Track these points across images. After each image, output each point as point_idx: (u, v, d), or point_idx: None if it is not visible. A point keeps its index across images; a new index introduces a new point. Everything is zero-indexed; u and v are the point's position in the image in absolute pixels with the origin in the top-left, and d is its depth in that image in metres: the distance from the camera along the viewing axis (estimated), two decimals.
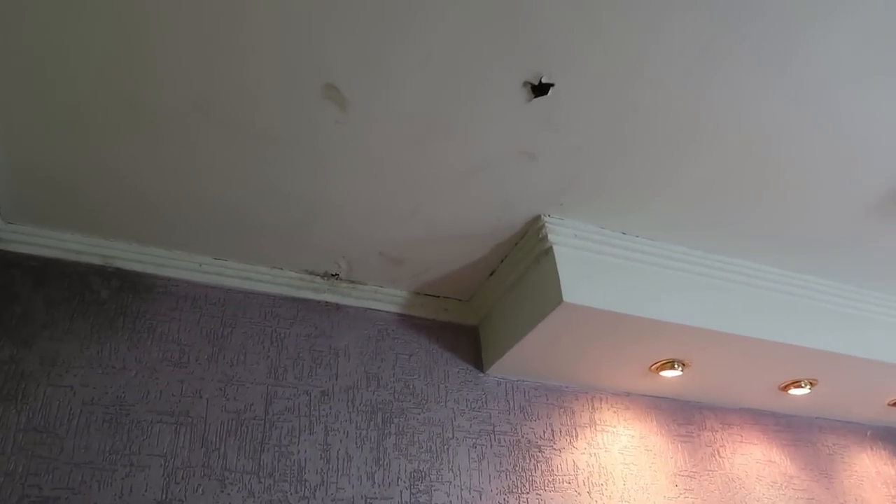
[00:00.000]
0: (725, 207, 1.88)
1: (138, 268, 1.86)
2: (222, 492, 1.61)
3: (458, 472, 1.89)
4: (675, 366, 2.10)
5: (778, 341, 2.01)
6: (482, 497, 1.87)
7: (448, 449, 1.92)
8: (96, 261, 1.83)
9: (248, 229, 1.85)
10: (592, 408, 2.21)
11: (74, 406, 1.60)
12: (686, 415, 2.35)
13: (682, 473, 2.20)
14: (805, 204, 1.89)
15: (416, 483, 1.82)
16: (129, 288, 1.83)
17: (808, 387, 2.30)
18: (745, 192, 1.82)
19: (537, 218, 1.88)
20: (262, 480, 1.67)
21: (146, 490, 1.55)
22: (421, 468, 1.85)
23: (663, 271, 1.98)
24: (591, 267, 1.88)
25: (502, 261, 2.04)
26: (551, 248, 1.85)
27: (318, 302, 2.03)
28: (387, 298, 2.12)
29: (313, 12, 1.27)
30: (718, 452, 2.32)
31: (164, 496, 1.56)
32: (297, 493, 1.68)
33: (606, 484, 2.06)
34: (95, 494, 1.51)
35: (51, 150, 1.55)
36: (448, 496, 1.83)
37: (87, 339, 1.71)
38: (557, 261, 1.83)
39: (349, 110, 1.49)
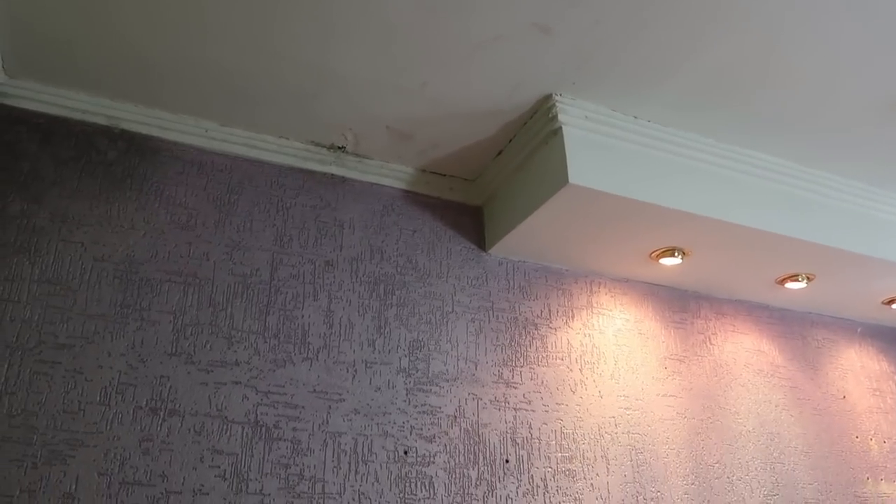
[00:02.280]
0: (740, 94, 1.83)
1: (144, 130, 1.85)
2: (229, 349, 1.69)
3: (455, 344, 1.96)
4: (676, 254, 2.12)
5: (780, 233, 2.02)
6: (477, 367, 1.95)
7: (447, 322, 1.99)
8: (102, 121, 1.82)
9: (255, 96, 1.82)
10: (590, 291, 2.26)
11: (86, 262, 1.65)
12: (681, 303, 2.41)
13: (672, 357, 2.28)
14: (822, 94, 1.83)
15: (415, 351, 1.90)
16: (135, 150, 1.83)
17: (804, 281, 2.33)
18: (762, 78, 1.77)
19: (548, 97, 1.84)
20: (268, 340, 1.74)
21: (157, 343, 1.63)
22: (420, 338, 1.93)
23: (672, 158, 1.96)
24: (600, 150, 1.86)
25: (510, 140, 2.02)
26: (560, 128, 1.83)
27: (324, 174, 2.04)
28: (393, 174, 2.12)
29: None
30: (710, 339, 2.39)
31: (174, 349, 1.63)
32: (300, 353, 1.76)
33: (598, 363, 2.15)
34: (108, 344, 1.58)
35: (53, 4, 1.51)
36: (445, 364, 1.92)
37: (95, 198, 1.73)
38: (566, 142, 1.81)
39: None
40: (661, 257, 2.15)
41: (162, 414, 1.56)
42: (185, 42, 1.62)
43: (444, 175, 2.20)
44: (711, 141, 2.04)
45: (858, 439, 2.51)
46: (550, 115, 1.84)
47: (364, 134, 1.99)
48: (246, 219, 1.87)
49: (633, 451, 2.05)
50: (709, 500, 2.09)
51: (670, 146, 1.96)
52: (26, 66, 1.72)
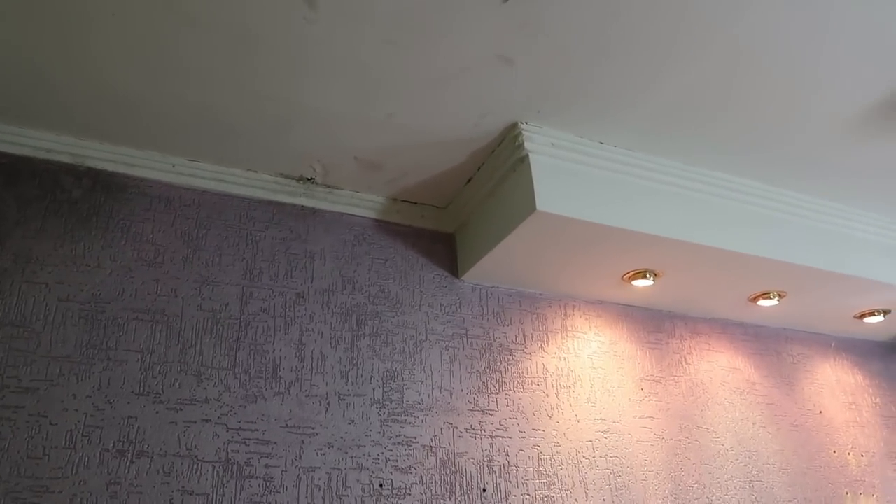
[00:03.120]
0: (705, 118, 1.86)
1: (110, 167, 1.84)
2: (199, 386, 1.67)
3: (429, 373, 1.95)
4: (647, 276, 2.14)
5: (749, 253, 2.04)
6: (452, 396, 1.95)
7: (421, 350, 1.98)
8: (67, 159, 1.81)
9: (222, 130, 1.82)
10: (565, 315, 2.27)
11: (50, 302, 1.63)
12: (656, 323, 2.42)
13: (648, 378, 2.29)
14: (786, 117, 1.87)
15: (389, 382, 1.89)
16: (101, 188, 1.82)
17: (776, 298, 2.35)
18: (727, 102, 1.80)
19: (514, 125, 1.86)
20: (238, 376, 1.72)
21: (124, 383, 1.60)
22: (394, 368, 1.92)
23: (639, 182, 1.98)
24: (567, 176, 1.88)
25: (479, 168, 2.03)
26: (527, 156, 1.84)
27: (294, 206, 2.03)
28: (363, 204, 2.12)
29: None
30: (685, 359, 2.40)
31: (141, 388, 1.61)
32: (272, 388, 1.74)
33: (574, 386, 2.14)
34: (74, 386, 1.56)
35: (17, 43, 1.50)
36: (419, 394, 1.91)
37: (60, 237, 1.71)
38: (533, 169, 1.83)
39: (319, 8, 1.44)
40: (633, 279, 2.16)
41: (130, 455, 1.54)
42: (151, 78, 1.61)
43: (415, 203, 2.21)
44: (678, 164, 2.06)
45: (836, 454, 2.52)
46: (517, 143, 1.85)
47: (333, 165, 2.00)
48: (215, 253, 1.86)
49: (612, 475, 2.04)
50: None
51: (637, 170, 1.98)
52: None
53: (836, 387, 2.70)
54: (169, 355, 1.68)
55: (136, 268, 1.75)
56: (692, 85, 1.73)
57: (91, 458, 1.50)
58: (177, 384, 1.65)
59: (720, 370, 2.45)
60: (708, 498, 2.16)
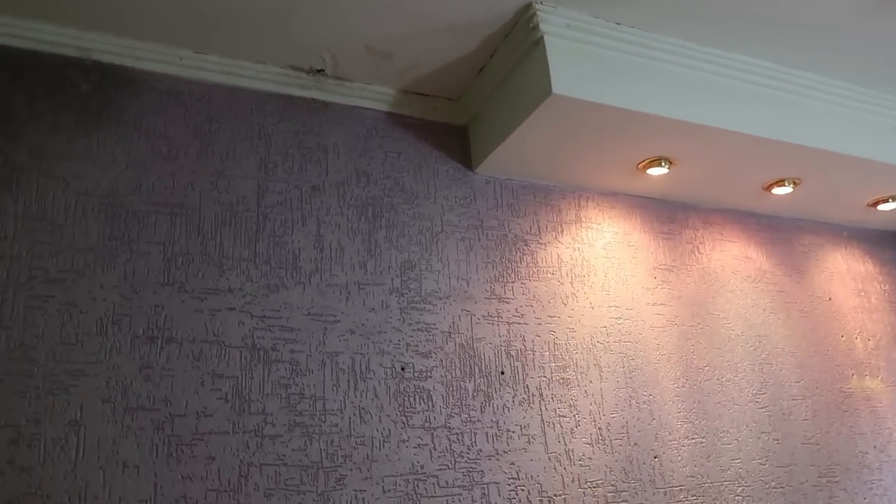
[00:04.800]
0: None
1: (116, 60, 1.80)
2: (221, 276, 1.70)
3: (446, 262, 1.98)
4: (662, 163, 2.12)
5: (765, 137, 2.01)
6: (469, 285, 1.98)
7: (437, 242, 2.00)
8: (72, 52, 1.77)
9: (228, 20, 1.77)
10: (578, 206, 2.27)
11: (69, 196, 1.64)
12: (669, 214, 2.42)
13: (661, 267, 2.31)
14: None
15: (407, 272, 1.92)
16: (109, 81, 1.79)
17: (791, 186, 2.34)
18: None
19: (528, 6, 1.80)
20: (259, 267, 1.75)
21: (148, 273, 1.63)
22: (411, 258, 1.94)
23: (656, 64, 1.93)
24: (583, 59, 1.83)
25: (492, 55, 1.98)
26: (542, 38, 1.79)
27: (305, 99, 2.00)
28: (375, 96, 2.08)
29: None
30: (698, 249, 2.42)
31: (166, 279, 1.64)
32: (292, 278, 1.77)
33: (588, 275, 2.17)
34: (100, 276, 1.59)
35: None
36: (437, 283, 1.94)
37: (73, 132, 1.70)
38: (548, 51, 1.78)
39: None
40: (648, 167, 2.14)
41: (159, 342, 1.58)
42: None
43: (427, 95, 2.17)
44: (695, 45, 2.01)
45: (844, 338, 2.58)
46: (531, 25, 1.80)
47: (343, 55, 1.95)
48: (228, 147, 1.85)
49: (625, 359, 2.10)
50: (699, 401, 2.16)
51: (654, 52, 1.94)
52: None
53: (846, 275, 2.72)
54: (190, 247, 1.70)
55: (151, 162, 1.75)
56: None
57: (122, 344, 1.55)
58: (200, 274, 1.68)
59: (732, 259, 2.47)
60: (718, 380, 2.23)
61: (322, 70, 2.01)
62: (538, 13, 1.79)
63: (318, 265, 1.82)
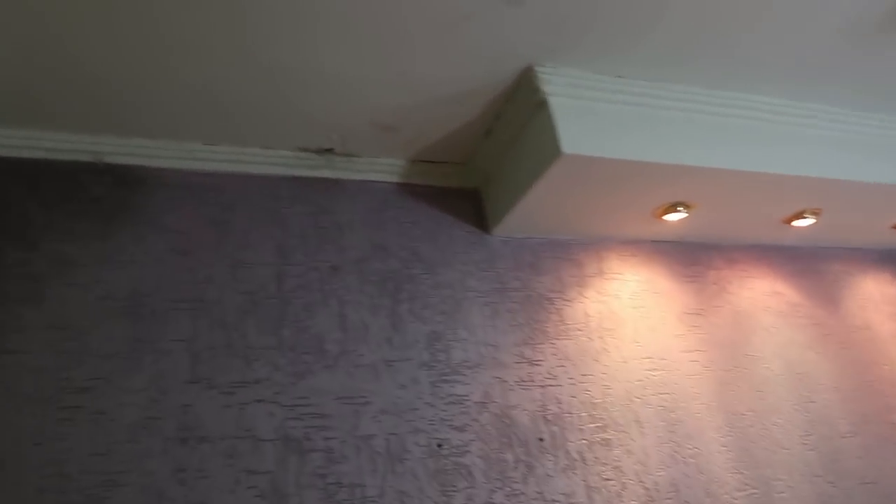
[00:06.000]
0: (721, 37, 1.80)
1: (128, 161, 1.82)
2: (248, 367, 1.67)
3: (472, 330, 1.94)
4: (679, 208, 2.10)
5: (781, 173, 1.99)
6: (498, 350, 1.94)
7: (461, 309, 1.97)
8: (85, 157, 1.79)
9: (233, 110, 1.79)
10: (600, 258, 2.24)
11: (91, 302, 1.63)
12: (692, 256, 2.39)
13: (689, 311, 2.26)
14: (804, 25, 1.80)
15: (434, 343, 1.88)
16: (122, 183, 1.81)
17: (812, 217, 2.31)
18: (741, 17, 1.73)
19: (529, 69, 1.81)
20: (285, 354, 1.72)
21: (175, 373, 1.61)
22: (436, 329, 1.91)
23: (664, 112, 1.93)
24: (589, 115, 1.83)
25: (497, 118, 1.99)
26: (546, 99, 1.80)
27: (317, 179, 2.01)
28: (385, 169, 2.09)
29: None
30: (725, 289, 2.37)
31: (192, 376, 1.62)
32: (319, 362, 1.74)
33: (617, 328, 2.13)
34: (127, 381, 1.57)
35: (24, 48, 1.47)
36: (465, 352, 1.90)
37: (90, 237, 1.71)
38: (553, 112, 1.78)
39: None
40: (665, 214, 2.12)
41: (191, 442, 1.55)
42: (153, 65, 1.58)
43: (436, 162, 2.17)
44: (699, 90, 2.01)
45: (887, 367, 2.50)
46: (534, 87, 1.81)
47: (350, 132, 1.96)
48: (244, 235, 1.85)
49: (665, 411, 2.04)
50: (746, 449, 2.08)
51: (660, 101, 1.94)
52: (1, 114, 1.68)
53: (879, 300, 2.66)
54: (214, 341, 1.68)
55: (168, 258, 1.74)
56: (703, 4, 1.67)
57: (154, 448, 1.52)
58: (226, 368, 1.66)
59: (762, 296, 2.42)
60: (762, 424, 2.15)
61: (330, 149, 2.02)
62: (539, 74, 1.80)
63: (344, 346, 1.79)
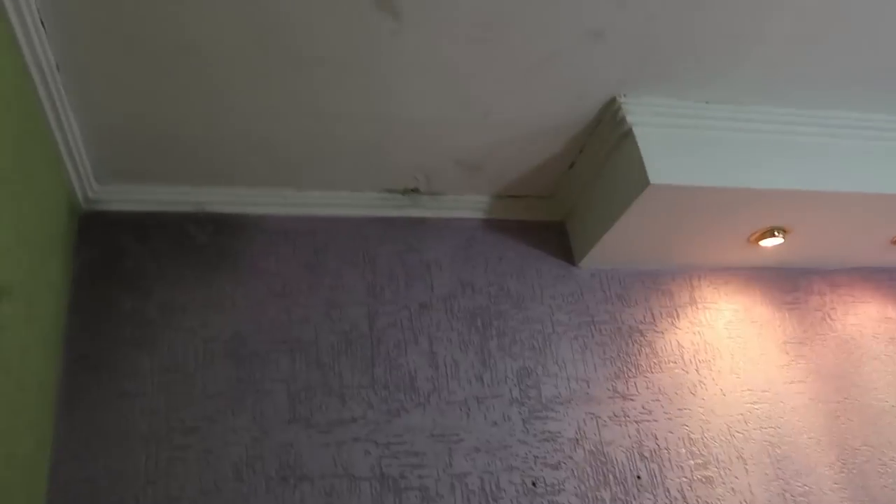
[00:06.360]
0: (814, 56, 1.73)
1: (228, 209, 1.93)
2: (344, 406, 1.72)
3: (563, 365, 1.92)
4: (776, 233, 2.01)
5: (884, 192, 1.88)
6: (590, 385, 1.91)
7: (550, 344, 1.95)
8: (189, 208, 1.90)
9: (324, 157, 1.87)
10: (691, 286, 2.18)
11: (197, 345, 1.72)
12: (791, 282, 2.28)
13: (791, 341, 2.16)
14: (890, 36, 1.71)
15: (524, 379, 1.87)
16: (223, 230, 1.91)
17: None
18: (833, 34, 1.66)
19: (612, 101, 1.80)
20: (378, 392, 1.76)
21: (275, 412, 1.67)
22: (526, 365, 1.90)
23: (754, 136, 1.87)
24: (676, 143, 1.80)
25: (581, 151, 1.98)
26: (631, 129, 1.78)
27: (403, 218, 2.06)
28: (469, 206, 2.12)
29: None
30: (829, 315, 2.25)
31: (292, 415, 1.67)
32: (412, 400, 1.77)
33: (714, 360, 2.05)
34: (232, 421, 1.64)
35: (127, 109, 1.60)
36: (556, 388, 1.88)
37: (196, 283, 1.81)
38: (639, 142, 1.76)
39: (403, 18, 1.45)
40: (760, 240, 2.04)
41: (292, 481, 1.60)
42: (253, 117, 1.68)
43: (520, 196, 2.18)
44: (791, 110, 1.93)
45: None
46: (618, 119, 1.80)
47: (435, 172, 2.01)
48: (337, 276, 1.91)
49: (770, 447, 1.94)
50: (863, 487, 1.95)
51: (749, 124, 1.88)
52: (114, 172, 1.82)
53: None
54: (311, 380, 1.74)
55: (267, 301, 1.82)
56: (794, 27, 1.61)
57: (258, 487, 1.57)
58: (323, 407, 1.71)
59: (870, 322, 2.28)
60: (879, 459, 2.01)
61: (416, 189, 2.07)
62: (623, 106, 1.79)
63: (435, 384, 1.81)
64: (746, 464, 1.89)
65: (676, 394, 1.96)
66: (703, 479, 1.84)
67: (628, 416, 1.89)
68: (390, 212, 2.05)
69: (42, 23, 1.33)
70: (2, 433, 1.24)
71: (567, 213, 2.18)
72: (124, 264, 1.79)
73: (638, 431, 1.87)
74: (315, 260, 1.92)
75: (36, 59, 1.34)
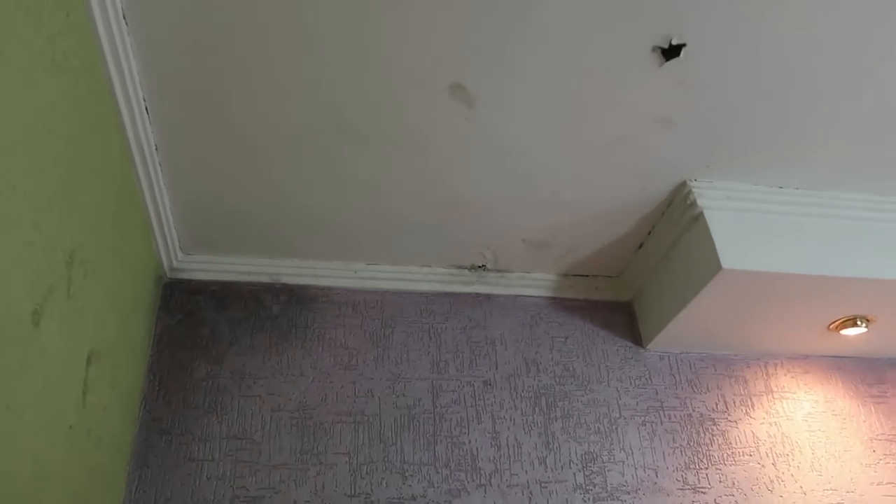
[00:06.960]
0: (891, 141, 1.70)
1: (301, 281, 2.00)
2: (404, 483, 1.71)
3: (630, 452, 1.86)
4: (859, 322, 1.92)
5: None
6: (658, 475, 1.83)
7: (617, 428, 1.90)
8: (265, 279, 1.98)
9: (396, 233, 1.93)
10: (767, 375, 2.09)
11: (265, 413, 1.76)
12: (876, 374, 2.16)
13: (879, 438, 2.02)
14: None
15: (589, 464, 1.82)
16: (295, 301, 1.97)
17: None
18: None
19: (683, 184, 1.80)
20: (440, 470, 1.74)
21: (336, 485, 1.67)
22: (591, 449, 1.85)
23: (830, 222, 1.82)
24: (749, 227, 1.77)
25: (650, 232, 1.98)
26: (702, 213, 1.77)
27: (470, 294, 2.08)
28: (536, 283, 2.12)
29: (437, 12, 1.30)
30: None
31: (352, 490, 1.67)
32: (473, 480, 1.74)
33: (793, 454, 1.94)
34: (294, 492, 1.65)
35: (214, 186, 1.71)
36: (623, 475, 1.81)
37: (267, 351, 1.86)
38: (710, 225, 1.74)
39: (477, 106, 1.51)
40: (841, 328, 1.95)
41: None
42: (332, 194, 1.76)
43: (588, 275, 2.18)
44: (870, 196, 1.88)
45: None
46: (689, 202, 1.79)
47: (502, 249, 2.03)
48: (402, 350, 1.93)
49: None
50: None
51: (826, 210, 1.83)
52: (198, 243, 1.93)
53: None
54: (373, 455, 1.74)
55: (334, 372, 1.86)
56: (869, 112, 1.59)
57: None
58: (384, 483, 1.70)
59: None
60: None
61: (483, 265, 2.09)
62: (694, 189, 1.79)
63: (497, 465, 1.78)
64: None
65: (752, 489, 1.86)
66: None
67: None
68: (457, 287, 2.08)
69: (147, 109, 1.45)
70: (79, 492, 1.30)
71: (635, 294, 2.15)
72: (201, 331, 1.86)
73: None
74: (382, 333, 1.96)
75: (138, 140, 1.47)
